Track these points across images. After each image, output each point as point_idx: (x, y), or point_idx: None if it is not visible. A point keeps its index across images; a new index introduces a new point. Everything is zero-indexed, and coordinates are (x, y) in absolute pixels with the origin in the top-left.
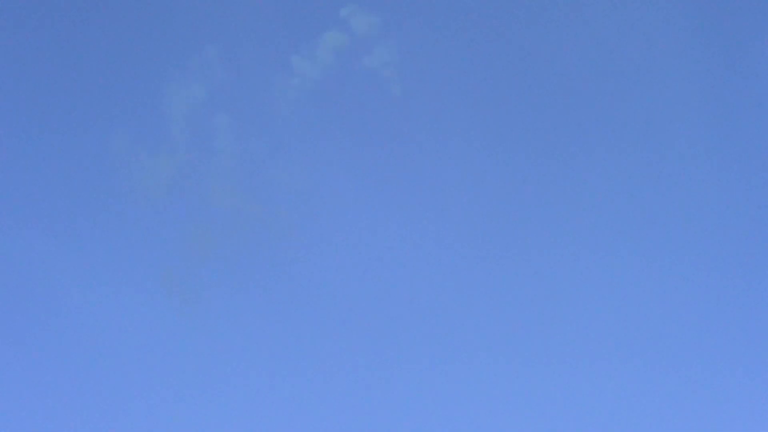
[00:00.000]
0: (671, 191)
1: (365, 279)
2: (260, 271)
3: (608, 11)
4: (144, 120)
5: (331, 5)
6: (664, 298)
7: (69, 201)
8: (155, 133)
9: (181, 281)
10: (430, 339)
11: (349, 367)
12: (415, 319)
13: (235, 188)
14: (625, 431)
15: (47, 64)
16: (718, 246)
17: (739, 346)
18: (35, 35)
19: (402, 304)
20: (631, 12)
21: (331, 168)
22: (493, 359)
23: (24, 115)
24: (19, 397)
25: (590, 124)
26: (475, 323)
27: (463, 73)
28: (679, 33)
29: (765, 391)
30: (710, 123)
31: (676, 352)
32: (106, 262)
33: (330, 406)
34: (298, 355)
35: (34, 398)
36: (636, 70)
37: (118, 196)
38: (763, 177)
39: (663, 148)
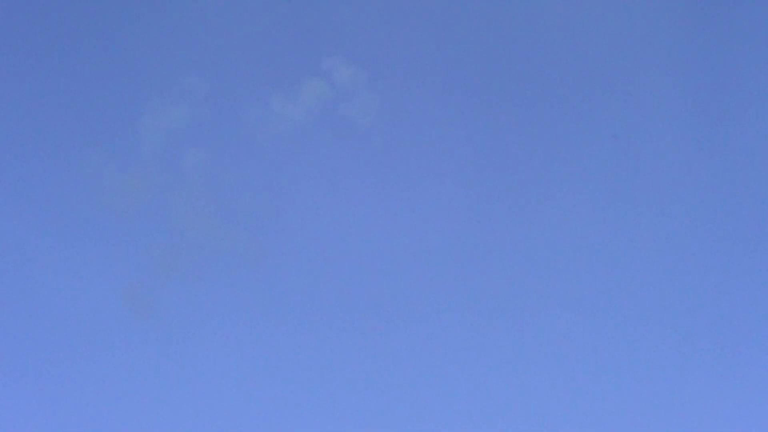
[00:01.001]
0: (664, 186)
1: (331, 301)
2: (224, 294)
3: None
4: (119, 137)
5: (314, 54)
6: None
7: (35, 209)
8: (128, 151)
9: (144, 299)
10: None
11: (316, 391)
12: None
13: (203, 213)
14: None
15: (34, 76)
16: (709, 236)
17: (731, 338)
18: (21, 49)
19: (374, 335)
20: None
21: (303, 202)
22: (486, 359)
23: (5, 124)
24: None
25: (579, 168)
26: (460, 331)
27: (446, 130)
28: (670, 33)
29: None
30: (700, 119)
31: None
32: (68, 274)
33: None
34: (264, 376)
35: None
36: (627, 73)
37: (84, 209)
38: (751, 173)
39: (652, 147)
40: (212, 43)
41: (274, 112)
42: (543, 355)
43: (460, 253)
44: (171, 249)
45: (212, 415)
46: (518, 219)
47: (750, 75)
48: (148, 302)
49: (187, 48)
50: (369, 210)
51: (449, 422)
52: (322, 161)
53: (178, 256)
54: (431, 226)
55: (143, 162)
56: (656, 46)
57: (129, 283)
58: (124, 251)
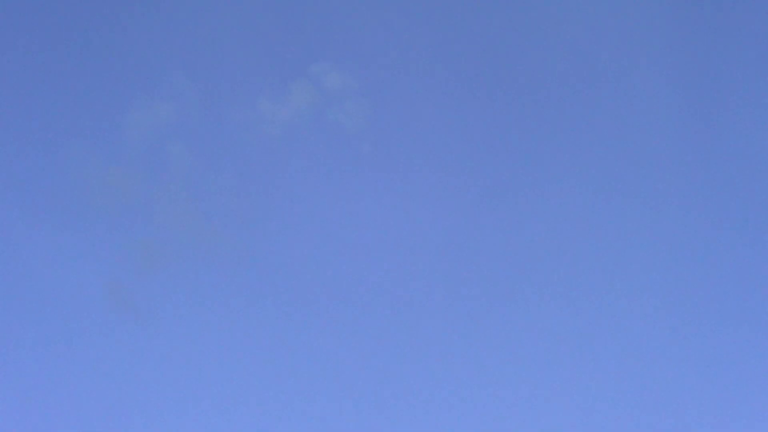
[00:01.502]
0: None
1: (314, 297)
2: (206, 291)
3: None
4: (106, 133)
5: (303, 58)
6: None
7: (19, 202)
8: (115, 147)
9: (127, 294)
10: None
11: (301, 385)
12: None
13: (187, 211)
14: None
15: (22, 71)
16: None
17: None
18: (9, 45)
19: (357, 330)
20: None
21: (287, 203)
22: (473, 355)
23: None
24: None
25: (572, 170)
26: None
27: (434, 138)
28: (663, 29)
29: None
30: (694, 116)
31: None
32: (51, 267)
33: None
34: (246, 371)
35: None
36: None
37: (69, 204)
38: (746, 169)
39: (646, 142)
40: (202, 43)
41: (261, 113)
42: (540, 353)
43: (449, 256)
44: (154, 245)
45: (194, 410)
46: (510, 221)
47: (744, 71)
48: (131, 297)
49: (177, 47)
50: (354, 213)
51: (441, 421)
52: (308, 164)
53: (161, 253)
54: (417, 229)
55: (129, 158)
56: (650, 43)
57: (112, 277)
58: (108, 246)
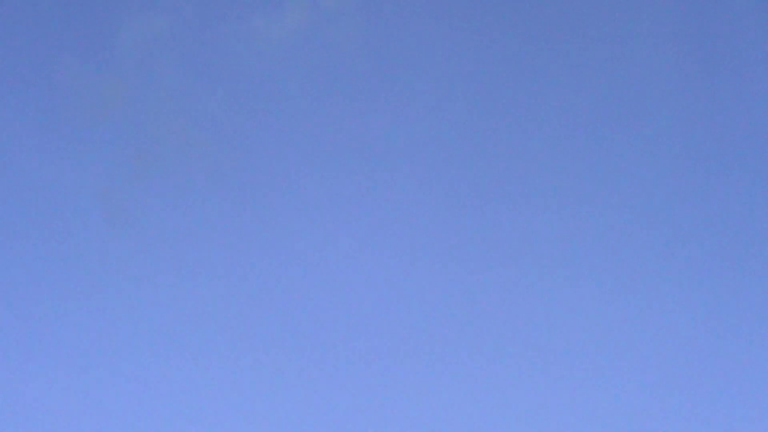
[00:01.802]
0: (663, 192)
1: (304, 210)
2: (198, 199)
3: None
4: (96, 42)
5: None
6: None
7: (10, 113)
8: (105, 56)
9: (119, 202)
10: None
11: (296, 300)
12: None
13: (178, 121)
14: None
15: None
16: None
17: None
18: None
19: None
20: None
21: (278, 117)
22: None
23: None
24: None
25: (578, 129)
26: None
27: (433, 60)
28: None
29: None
30: (698, 119)
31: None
32: (43, 177)
33: (277, 349)
34: (240, 282)
35: None
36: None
37: (57, 112)
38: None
39: (652, 146)
40: None
41: (255, 28)
42: (539, 349)
43: (444, 176)
44: (146, 154)
45: (182, 317)
46: (514, 153)
47: (749, 31)
48: (123, 204)
49: None
50: (347, 129)
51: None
52: (302, 80)
53: (153, 162)
54: (415, 151)
55: (122, 69)
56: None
57: (104, 185)
58: (100, 155)
